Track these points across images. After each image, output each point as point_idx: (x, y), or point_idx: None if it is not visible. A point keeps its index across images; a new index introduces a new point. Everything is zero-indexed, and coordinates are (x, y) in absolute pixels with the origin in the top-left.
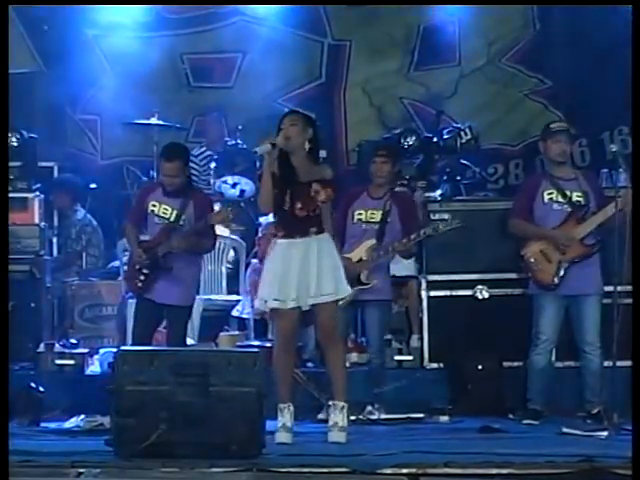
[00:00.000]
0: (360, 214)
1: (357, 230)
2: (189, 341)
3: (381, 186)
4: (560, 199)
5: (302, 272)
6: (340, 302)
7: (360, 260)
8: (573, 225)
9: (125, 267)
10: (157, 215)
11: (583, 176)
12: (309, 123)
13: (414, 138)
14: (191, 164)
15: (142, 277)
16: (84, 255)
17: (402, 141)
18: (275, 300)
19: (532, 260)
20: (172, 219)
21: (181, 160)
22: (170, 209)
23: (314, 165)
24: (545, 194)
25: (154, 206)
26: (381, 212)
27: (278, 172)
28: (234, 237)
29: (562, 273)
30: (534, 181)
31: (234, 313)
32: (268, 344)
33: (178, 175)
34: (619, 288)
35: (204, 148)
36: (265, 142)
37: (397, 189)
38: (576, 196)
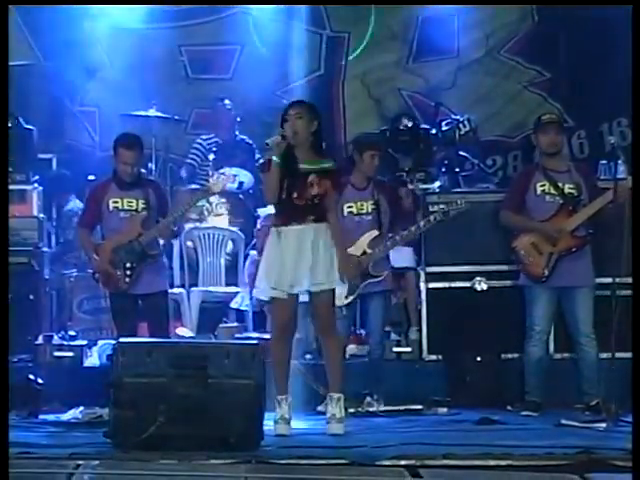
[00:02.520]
0: (350, 207)
1: (350, 223)
2: (188, 333)
3: (365, 177)
4: (552, 191)
5: (297, 260)
6: (350, 298)
7: (364, 253)
8: (565, 217)
9: (96, 271)
10: (122, 210)
11: (576, 168)
12: (314, 115)
13: (411, 122)
14: (194, 151)
15: (128, 272)
16: None
17: (399, 124)
18: (272, 289)
19: (522, 252)
20: (139, 209)
21: (139, 148)
22: (135, 200)
23: (316, 156)
24: (537, 186)
25: (116, 202)
26: (371, 202)
27: (280, 162)
28: (233, 229)
29: (552, 265)
30: (526, 173)
31: (233, 305)
32: (267, 336)
33: (136, 164)
34: (617, 280)
35: (212, 135)
36: (277, 135)
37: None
38: (568, 188)
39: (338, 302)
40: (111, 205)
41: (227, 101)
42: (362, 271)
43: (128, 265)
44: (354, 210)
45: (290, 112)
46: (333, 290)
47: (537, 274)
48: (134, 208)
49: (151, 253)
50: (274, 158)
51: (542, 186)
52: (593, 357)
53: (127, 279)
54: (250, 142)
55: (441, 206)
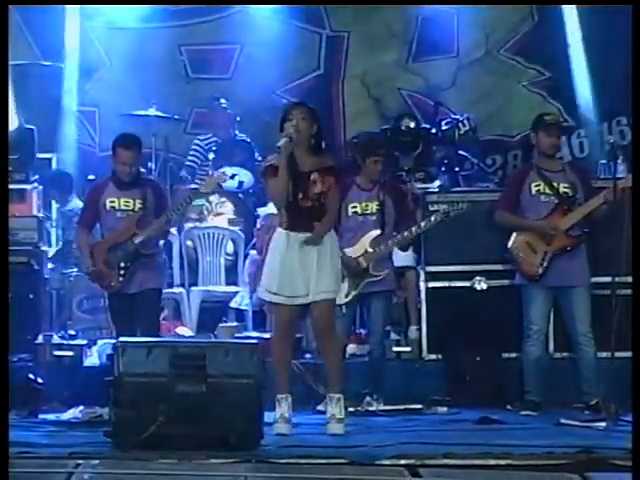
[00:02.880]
0: (355, 207)
1: (354, 223)
2: (187, 332)
3: (370, 178)
4: (547, 191)
5: (303, 268)
6: (349, 296)
7: (365, 252)
8: (560, 216)
9: (89, 270)
10: (119, 209)
11: (571, 167)
12: (315, 118)
13: (413, 123)
14: (193, 152)
15: (122, 272)
16: None
17: (401, 124)
18: (275, 294)
19: (517, 251)
20: (136, 209)
21: (137, 148)
22: (131, 200)
23: (316, 156)
24: (532, 186)
25: (112, 202)
26: (376, 203)
27: (286, 164)
28: (233, 228)
29: (546, 264)
30: (521, 173)
31: (232, 304)
32: (266, 335)
33: (134, 164)
34: (616, 279)
35: (210, 134)
36: (284, 138)
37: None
38: (563, 187)
39: (337, 300)
40: (108, 205)
41: (223, 100)
42: (362, 270)
43: (122, 265)
44: (358, 210)
45: (293, 112)
46: (334, 299)
47: (531, 273)
48: (130, 208)
49: (145, 253)
50: (281, 161)
51: (537, 186)
52: (591, 356)
53: (120, 278)
54: (249, 141)
55: (442, 207)
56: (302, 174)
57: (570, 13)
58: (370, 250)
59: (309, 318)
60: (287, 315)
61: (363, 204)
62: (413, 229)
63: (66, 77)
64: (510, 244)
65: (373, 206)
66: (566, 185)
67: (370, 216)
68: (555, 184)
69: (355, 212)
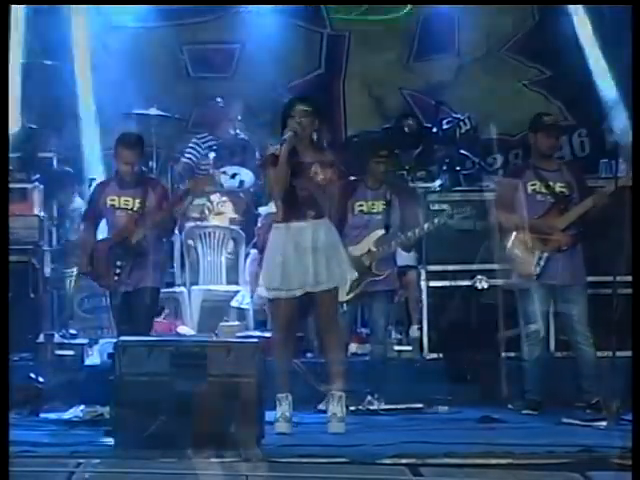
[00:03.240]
0: (361, 205)
1: (359, 222)
2: (189, 331)
3: (376, 178)
4: (543, 190)
5: (299, 259)
6: (351, 294)
7: (369, 251)
8: (556, 216)
9: (85, 269)
10: (119, 208)
11: (567, 167)
12: (318, 113)
13: (414, 122)
14: (192, 151)
15: (119, 270)
16: None
17: (402, 124)
18: (274, 290)
19: (514, 250)
20: (135, 208)
21: (139, 148)
22: (131, 199)
23: (317, 150)
24: (528, 185)
25: (113, 200)
26: (382, 202)
27: (288, 153)
28: (233, 227)
29: (543, 263)
30: (517, 172)
31: (233, 303)
32: (267, 334)
33: (136, 163)
34: (618, 278)
35: (206, 133)
36: (288, 131)
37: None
38: (559, 187)
39: (339, 297)
40: (108, 203)
41: (219, 99)
42: (364, 268)
43: (119, 263)
44: (365, 209)
45: (297, 108)
46: (335, 288)
47: (528, 272)
48: (130, 207)
49: (142, 251)
50: (282, 151)
51: (533, 185)
52: (591, 355)
53: (116, 277)
54: (250, 140)
55: (444, 206)
56: (302, 164)
57: (571, 12)
58: (374, 249)
59: (312, 314)
60: (287, 310)
61: (369, 203)
62: (417, 230)
63: (69, 76)
64: (506, 243)
65: (379, 205)
66: (562, 185)
67: (376, 215)
68: (551, 183)
69: (361, 210)
